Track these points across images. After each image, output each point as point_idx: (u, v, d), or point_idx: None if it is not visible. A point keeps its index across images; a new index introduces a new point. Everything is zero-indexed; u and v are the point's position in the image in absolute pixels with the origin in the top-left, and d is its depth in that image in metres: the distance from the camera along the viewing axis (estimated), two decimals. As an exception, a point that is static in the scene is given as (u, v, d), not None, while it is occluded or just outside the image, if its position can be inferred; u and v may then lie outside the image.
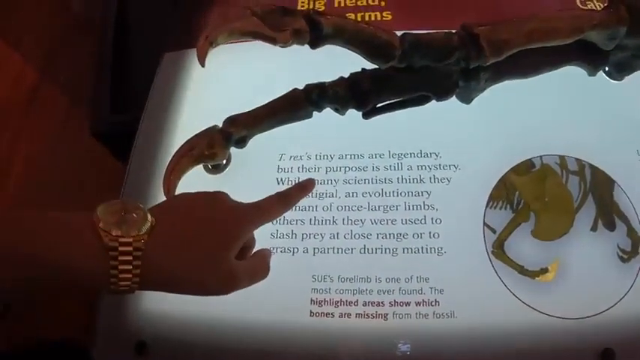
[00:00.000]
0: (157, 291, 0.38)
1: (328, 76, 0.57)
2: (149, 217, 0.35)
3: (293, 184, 0.58)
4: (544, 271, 0.54)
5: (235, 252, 0.39)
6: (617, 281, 0.53)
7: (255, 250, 0.44)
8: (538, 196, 0.57)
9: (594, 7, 0.70)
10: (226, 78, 0.67)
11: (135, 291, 0.35)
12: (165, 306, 0.55)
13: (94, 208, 0.35)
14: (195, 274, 0.37)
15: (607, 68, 0.63)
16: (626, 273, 0.54)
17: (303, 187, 0.48)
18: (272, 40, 0.50)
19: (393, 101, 0.56)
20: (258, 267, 0.42)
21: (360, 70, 0.56)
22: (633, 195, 0.57)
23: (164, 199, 0.52)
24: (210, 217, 0.39)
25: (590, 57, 0.60)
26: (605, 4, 0.59)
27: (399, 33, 0.53)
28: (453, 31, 0.53)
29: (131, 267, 0.34)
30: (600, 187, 0.58)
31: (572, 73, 0.61)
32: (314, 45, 0.51)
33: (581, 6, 0.71)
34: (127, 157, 0.65)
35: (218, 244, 0.38)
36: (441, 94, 0.56)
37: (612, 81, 0.63)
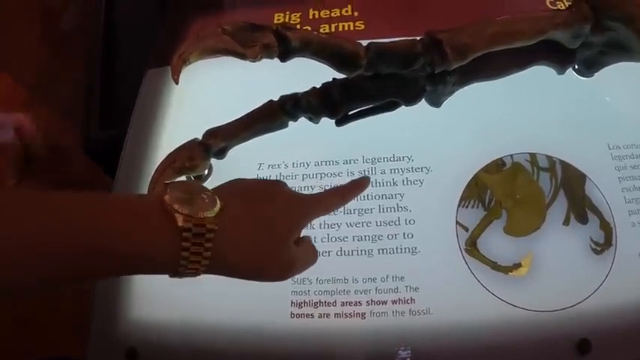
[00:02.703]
0: (216, 275, 0.36)
1: (302, 87, 0.59)
2: (218, 199, 0.35)
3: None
4: (517, 266, 0.55)
5: (294, 240, 0.39)
6: (591, 273, 0.55)
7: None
8: (509, 194, 0.59)
9: (564, 7, 0.71)
10: (206, 92, 0.69)
11: (200, 274, 0.34)
12: (155, 313, 0.58)
13: None
14: (260, 260, 0.37)
15: (576, 66, 0.64)
16: (599, 265, 0.55)
17: (358, 184, 0.47)
18: (242, 56, 0.52)
19: (363, 108, 0.58)
20: (309, 254, 0.43)
21: (331, 79, 0.58)
22: (605, 188, 0.59)
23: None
24: (274, 204, 0.39)
25: (557, 56, 0.61)
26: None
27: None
28: (418, 38, 0.55)
29: (202, 249, 0.33)
30: (571, 182, 0.59)
31: (540, 71, 0.62)
32: (283, 58, 0.53)
33: (550, 6, 0.72)
34: (117, 172, 0.67)
35: (282, 232, 0.38)
36: (409, 100, 0.57)
37: (582, 78, 0.65)
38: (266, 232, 0.37)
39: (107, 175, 0.83)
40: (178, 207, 0.32)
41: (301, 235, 0.42)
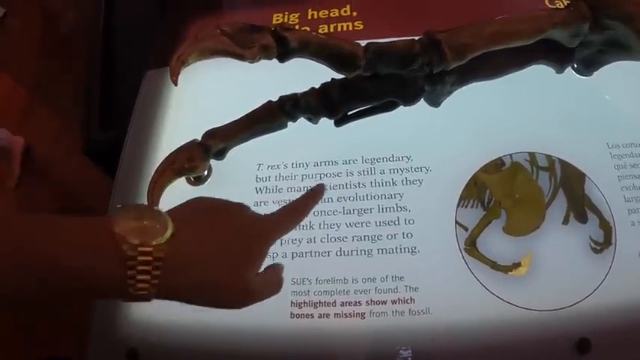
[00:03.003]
0: (171, 300, 0.36)
1: (301, 87, 0.59)
2: (170, 224, 0.34)
3: (271, 192, 0.61)
4: (516, 265, 0.55)
5: (258, 268, 0.38)
6: (591, 272, 0.54)
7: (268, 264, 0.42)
8: (508, 193, 0.59)
9: (562, 6, 0.71)
10: (205, 93, 0.69)
11: (152, 299, 0.34)
12: (156, 314, 0.58)
13: None
14: (214, 288, 0.36)
15: (575, 65, 0.64)
16: (599, 264, 0.55)
17: (313, 195, 0.45)
18: (241, 57, 0.52)
19: (362, 108, 0.58)
20: (273, 281, 0.41)
21: (330, 80, 0.58)
22: (604, 187, 0.59)
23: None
24: (232, 230, 0.38)
25: (555, 55, 0.61)
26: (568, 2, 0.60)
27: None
28: (416, 38, 0.55)
29: (149, 277, 0.33)
30: (571, 181, 0.59)
31: (538, 71, 0.62)
32: (282, 59, 0.53)
33: (549, 5, 0.72)
34: (118, 172, 0.67)
35: (239, 257, 0.37)
36: (408, 100, 0.57)
37: (581, 77, 0.65)
38: (222, 257, 0.36)
39: (107, 176, 0.84)
40: (127, 235, 0.32)
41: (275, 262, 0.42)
